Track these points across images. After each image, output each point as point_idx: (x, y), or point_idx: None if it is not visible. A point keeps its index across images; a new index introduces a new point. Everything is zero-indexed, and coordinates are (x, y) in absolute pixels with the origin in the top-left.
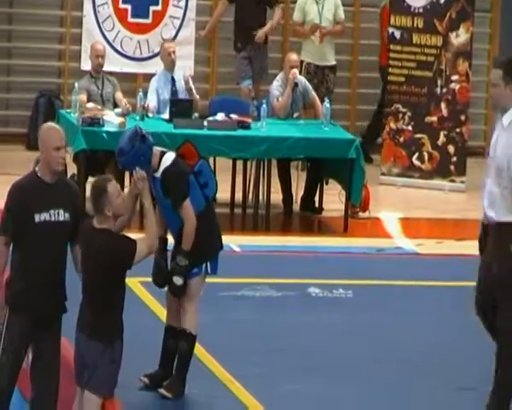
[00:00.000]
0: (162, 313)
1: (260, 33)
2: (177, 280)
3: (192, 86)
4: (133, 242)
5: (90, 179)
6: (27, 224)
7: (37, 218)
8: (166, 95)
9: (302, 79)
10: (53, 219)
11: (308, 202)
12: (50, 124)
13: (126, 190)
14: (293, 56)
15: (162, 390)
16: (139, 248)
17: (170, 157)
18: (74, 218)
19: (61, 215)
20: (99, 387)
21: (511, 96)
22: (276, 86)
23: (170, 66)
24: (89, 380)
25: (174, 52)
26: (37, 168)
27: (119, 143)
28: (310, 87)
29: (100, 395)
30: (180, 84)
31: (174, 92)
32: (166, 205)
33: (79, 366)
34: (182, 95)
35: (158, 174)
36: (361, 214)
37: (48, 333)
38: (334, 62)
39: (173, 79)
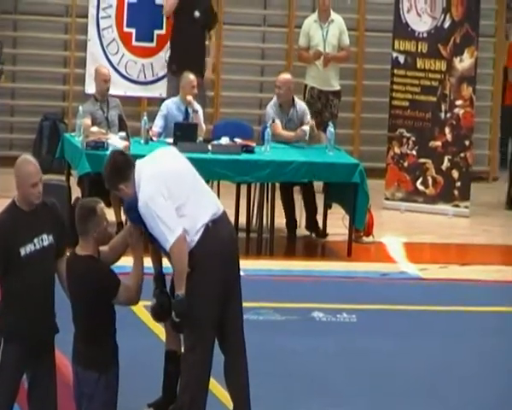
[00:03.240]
0: None
1: (208, 74)
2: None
3: (201, 120)
4: (117, 279)
5: None
6: (14, 260)
7: (23, 251)
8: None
9: (302, 105)
10: (38, 247)
11: (311, 222)
12: (26, 158)
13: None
14: (279, 77)
15: None
16: (120, 290)
17: None
18: (58, 236)
19: (45, 240)
20: None
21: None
22: (269, 107)
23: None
24: (87, 408)
25: (194, 87)
26: (15, 198)
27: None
28: (308, 115)
29: None
30: (190, 117)
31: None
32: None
33: (77, 394)
34: None
35: None
36: (365, 239)
37: (42, 358)
38: (338, 87)
39: (187, 112)
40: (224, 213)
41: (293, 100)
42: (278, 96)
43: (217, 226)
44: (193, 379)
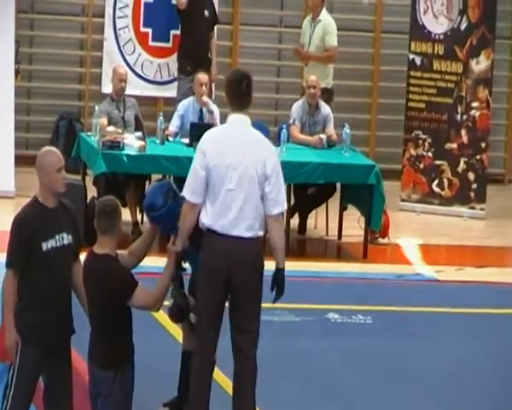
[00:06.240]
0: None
1: (214, 72)
2: (193, 318)
3: (217, 121)
4: (135, 281)
5: None
6: (35, 254)
7: (45, 246)
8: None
9: (326, 109)
10: (59, 244)
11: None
12: (47, 148)
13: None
14: (310, 77)
15: None
16: (138, 293)
17: None
18: (76, 238)
19: (65, 238)
20: None
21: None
22: (295, 107)
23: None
24: (101, 408)
25: (206, 84)
26: (37, 194)
27: (149, 197)
28: (331, 121)
29: None
30: (205, 117)
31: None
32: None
33: (92, 394)
34: None
35: None
36: (380, 240)
37: (59, 358)
38: (324, 85)
39: (201, 111)
40: (235, 239)
41: (318, 102)
42: (312, 96)
43: (214, 237)
44: (193, 376)
